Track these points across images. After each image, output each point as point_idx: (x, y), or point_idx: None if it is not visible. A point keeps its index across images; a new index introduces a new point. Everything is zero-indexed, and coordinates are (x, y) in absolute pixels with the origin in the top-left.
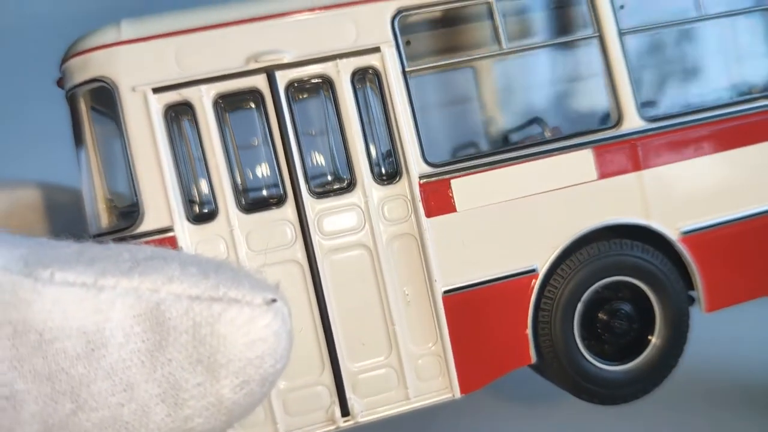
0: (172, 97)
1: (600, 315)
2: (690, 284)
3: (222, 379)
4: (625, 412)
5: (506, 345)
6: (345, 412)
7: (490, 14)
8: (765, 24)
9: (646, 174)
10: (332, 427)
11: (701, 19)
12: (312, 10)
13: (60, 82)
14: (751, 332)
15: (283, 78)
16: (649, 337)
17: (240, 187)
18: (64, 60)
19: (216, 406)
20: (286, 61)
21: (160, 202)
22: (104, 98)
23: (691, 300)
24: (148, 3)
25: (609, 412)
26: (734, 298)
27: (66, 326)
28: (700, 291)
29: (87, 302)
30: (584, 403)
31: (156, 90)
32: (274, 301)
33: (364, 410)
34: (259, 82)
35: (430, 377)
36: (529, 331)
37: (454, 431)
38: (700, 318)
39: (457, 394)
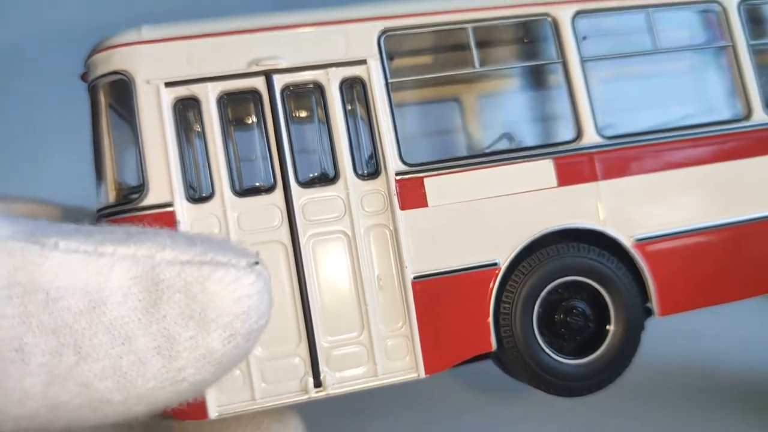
0: (182, 91)
1: (558, 313)
2: (645, 294)
3: (212, 332)
4: (626, 412)
5: (469, 331)
6: (317, 383)
7: (467, 39)
8: (715, 60)
9: (603, 185)
10: (305, 397)
11: (655, 53)
12: (308, 25)
13: (84, 77)
14: (748, 333)
15: (279, 81)
16: (606, 333)
17: (235, 174)
18: (90, 56)
19: (206, 357)
20: (283, 66)
21: (163, 180)
22: (121, 93)
23: (649, 312)
24: (162, 17)
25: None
26: (686, 305)
27: (70, 286)
28: (652, 295)
29: (88, 266)
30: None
31: (168, 84)
32: (256, 263)
33: (335, 383)
34: (259, 83)
35: (398, 357)
36: (490, 320)
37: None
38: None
39: (422, 374)
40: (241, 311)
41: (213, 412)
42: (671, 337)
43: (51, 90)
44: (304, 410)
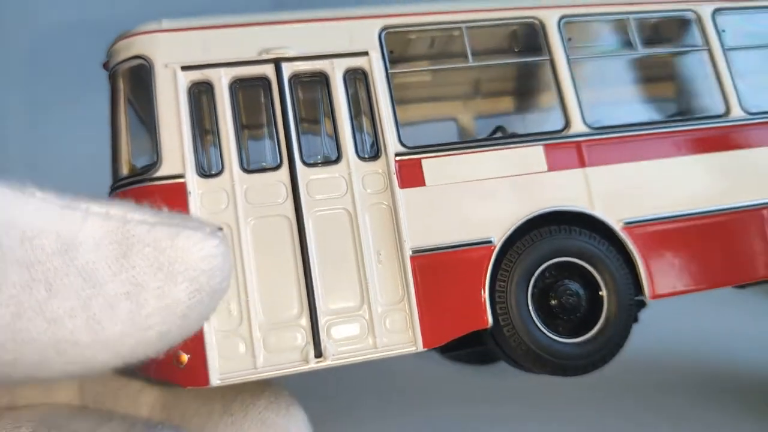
0: (197, 75)
1: (552, 292)
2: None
3: (179, 284)
4: (625, 411)
5: (466, 307)
6: (318, 353)
7: (461, 36)
8: (696, 62)
9: (590, 171)
10: (306, 367)
11: (636, 55)
12: (315, 20)
13: (105, 65)
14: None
15: (288, 69)
16: (598, 315)
17: (244, 152)
18: (112, 45)
19: (173, 307)
20: (291, 55)
21: (176, 153)
22: (139, 79)
23: (641, 304)
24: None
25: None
26: (676, 288)
27: (45, 228)
28: (643, 278)
29: (63, 216)
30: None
31: (184, 68)
32: (220, 229)
33: (335, 354)
34: (268, 70)
35: (397, 330)
36: (486, 296)
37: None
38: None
39: (420, 348)
40: (207, 268)
41: (215, 379)
42: (671, 336)
43: (74, 79)
44: (308, 407)
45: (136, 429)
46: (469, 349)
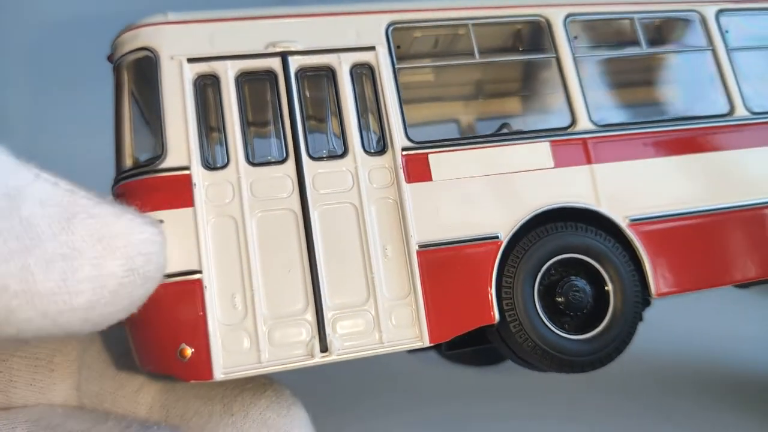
0: (203, 68)
1: (559, 288)
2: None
3: (116, 259)
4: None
5: (473, 302)
6: (324, 348)
7: (467, 34)
8: (701, 61)
9: (597, 167)
10: (311, 361)
11: (642, 54)
12: (323, 15)
13: (110, 57)
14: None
15: (294, 63)
16: (605, 312)
17: (249, 145)
18: (117, 37)
19: (105, 279)
20: (298, 49)
21: (181, 145)
22: (144, 72)
23: (646, 303)
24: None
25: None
26: (682, 286)
27: None
28: (648, 274)
29: (17, 171)
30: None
31: (190, 60)
32: (161, 222)
33: (341, 349)
34: (275, 64)
35: (403, 325)
36: (492, 291)
37: None
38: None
39: (427, 343)
40: (145, 251)
41: (219, 373)
42: (673, 336)
43: (78, 72)
44: (310, 407)
45: (132, 430)
46: (475, 347)
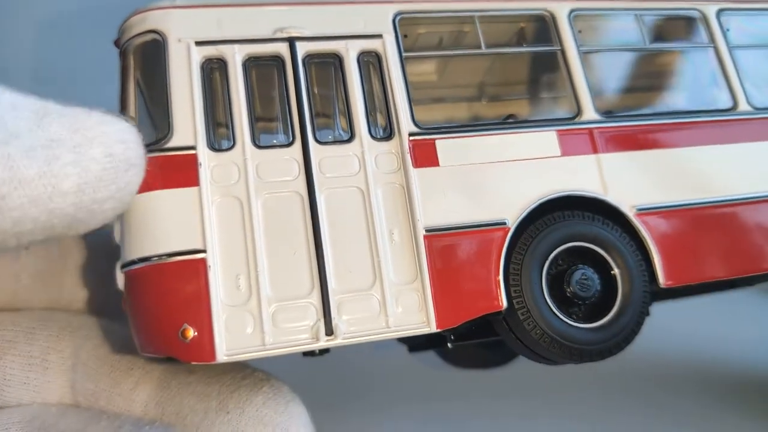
0: (210, 51)
1: (567, 278)
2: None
3: (95, 146)
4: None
5: (480, 288)
6: (329, 331)
7: (474, 24)
8: (702, 57)
9: (603, 157)
10: (316, 344)
11: (643, 50)
12: (331, 3)
13: (117, 42)
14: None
15: (302, 48)
16: (613, 302)
17: (256, 128)
18: (124, 21)
19: (88, 163)
20: (305, 35)
21: (188, 126)
22: (150, 56)
23: (653, 296)
24: None
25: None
26: (690, 276)
27: None
28: (656, 264)
29: None
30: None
31: (198, 43)
32: (132, 119)
33: (346, 332)
34: (282, 49)
35: (410, 310)
36: (500, 278)
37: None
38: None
39: (434, 328)
40: (122, 138)
41: (221, 355)
42: (673, 335)
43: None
44: (308, 403)
45: (124, 429)
46: (481, 339)
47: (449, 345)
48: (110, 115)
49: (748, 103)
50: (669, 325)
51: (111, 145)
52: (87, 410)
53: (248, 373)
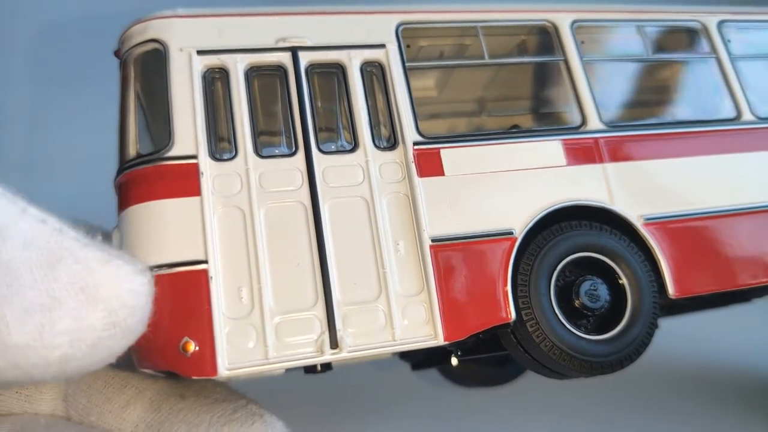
0: (212, 60)
1: (575, 289)
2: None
3: (98, 311)
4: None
5: (488, 300)
6: (334, 344)
7: (476, 36)
8: (705, 68)
9: (609, 166)
10: (321, 357)
11: (646, 60)
12: (334, 13)
13: (117, 52)
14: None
15: (304, 58)
16: (622, 314)
17: (258, 137)
18: (125, 31)
19: (84, 333)
20: (308, 44)
21: (189, 135)
22: (151, 66)
23: (661, 308)
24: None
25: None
26: (700, 287)
27: None
28: (666, 275)
29: (1, 205)
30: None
31: (200, 52)
32: (151, 269)
33: (351, 345)
34: (285, 59)
35: (417, 323)
36: (509, 288)
37: None
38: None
39: (441, 341)
40: (130, 304)
41: (223, 369)
42: (680, 341)
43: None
44: (309, 421)
45: None
46: (488, 354)
47: (455, 360)
48: (127, 268)
49: (752, 113)
50: (676, 331)
51: (116, 310)
52: (76, 425)
53: (241, 406)
